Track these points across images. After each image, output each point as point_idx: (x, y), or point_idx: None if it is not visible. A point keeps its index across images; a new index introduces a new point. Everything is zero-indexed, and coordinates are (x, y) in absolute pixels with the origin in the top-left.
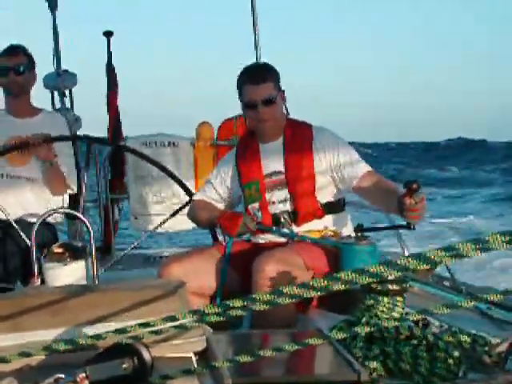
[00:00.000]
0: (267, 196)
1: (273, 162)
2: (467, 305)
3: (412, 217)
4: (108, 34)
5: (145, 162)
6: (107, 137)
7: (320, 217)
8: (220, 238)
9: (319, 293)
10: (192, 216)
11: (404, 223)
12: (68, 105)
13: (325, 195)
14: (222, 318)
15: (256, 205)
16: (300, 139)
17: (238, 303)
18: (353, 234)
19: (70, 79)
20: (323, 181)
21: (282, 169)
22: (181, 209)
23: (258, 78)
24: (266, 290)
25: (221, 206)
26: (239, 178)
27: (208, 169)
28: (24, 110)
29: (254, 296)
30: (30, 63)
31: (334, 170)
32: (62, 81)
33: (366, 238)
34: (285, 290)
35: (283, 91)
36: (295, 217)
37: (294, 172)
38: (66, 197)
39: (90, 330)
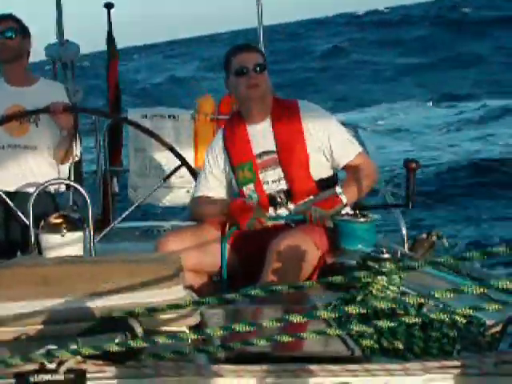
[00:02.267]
0: (260, 176)
1: (262, 142)
2: (475, 291)
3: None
4: (109, 6)
5: (144, 134)
6: (107, 109)
7: (315, 194)
8: None
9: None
10: (198, 213)
11: (401, 202)
12: (69, 76)
13: (318, 172)
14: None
15: (251, 186)
16: (288, 117)
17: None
18: (348, 211)
19: (73, 49)
20: (315, 158)
21: (273, 148)
22: (172, 173)
23: (248, 46)
24: (285, 271)
25: (221, 194)
26: (229, 160)
27: (208, 143)
28: (19, 78)
29: (250, 291)
30: (21, 29)
31: (326, 148)
32: (64, 51)
33: (364, 215)
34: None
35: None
36: (291, 195)
37: (287, 151)
38: (67, 167)
39: (87, 303)
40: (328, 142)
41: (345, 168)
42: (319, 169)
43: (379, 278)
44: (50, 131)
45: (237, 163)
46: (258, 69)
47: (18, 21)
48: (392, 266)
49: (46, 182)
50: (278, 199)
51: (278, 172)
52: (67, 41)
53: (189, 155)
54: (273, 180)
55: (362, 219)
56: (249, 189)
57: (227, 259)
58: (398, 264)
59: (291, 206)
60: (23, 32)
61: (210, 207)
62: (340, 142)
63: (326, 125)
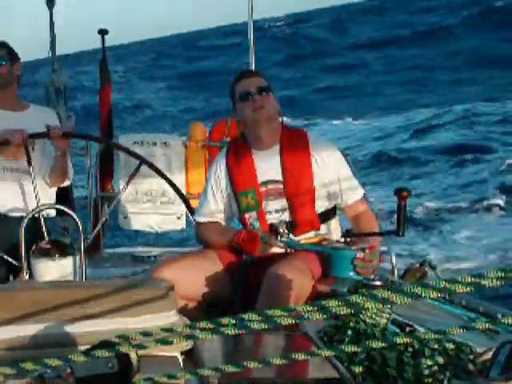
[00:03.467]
0: (264, 205)
1: (268, 170)
2: (483, 326)
3: (361, 271)
4: (103, 32)
5: (135, 160)
6: (99, 134)
7: (317, 228)
8: None
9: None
10: (203, 240)
11: (392, 229)
12: (61, 101)
13: (321, 206)
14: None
15: (253, 214)
16: (297, 147)
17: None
18: (340, 238)
19: (65, 75)
20: (321, 193)
21: (279, 178)
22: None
23: (251, 72)
24: (282, 297)
25: (222, 219)
26: (232, 186)
27: (199, 170)
28: (10, 103)
29: (246, 316)
30: (10, 55)
31: (332, 186)
32: (57, 76)
33: (354, 243)
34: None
35: (278, 98)
36: (293, 227)
37: (293, 183)
38: (54, 192)
39: (77, 327)
40: (337, 180)
41: (347, 211)
42: (323, 203)
43: (371, 304)
44: (45, 156)
45: (240, 190)
46: (262, 91)
47: (6, 47)
48: (384, 293)
49: (40, 206)
50: (280, 230)
51: (281, 202)
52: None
53: (180, 182)
54: (276, 210)
55: (353, 247)
56: (251, 216)
57: (221, 288)
58: (390, 291)
59: (293, 238)
60: (12, 58)
61: (216, 237)
62: (347, 182)
63: (335, 162)
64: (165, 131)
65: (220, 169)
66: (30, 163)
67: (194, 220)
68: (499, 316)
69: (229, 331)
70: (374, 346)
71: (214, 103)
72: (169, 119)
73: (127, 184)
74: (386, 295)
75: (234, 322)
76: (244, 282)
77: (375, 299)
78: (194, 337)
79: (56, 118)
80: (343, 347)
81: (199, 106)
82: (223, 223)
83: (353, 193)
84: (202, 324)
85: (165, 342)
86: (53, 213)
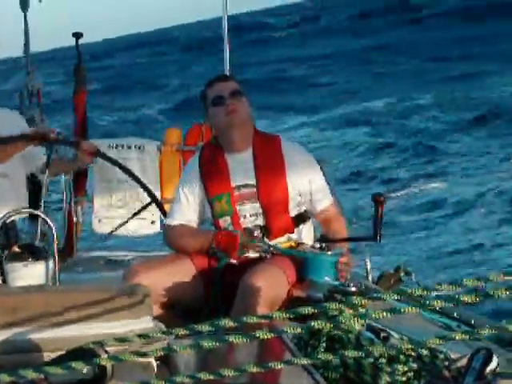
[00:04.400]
0: (237, 209)
1: (242, 175)
2: (462, 336)
3: (342, 275)
4: (77, 35)
5: (110, 164)
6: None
7: (291, 232)
8: None
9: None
10: (174, 243)
11: (369, 235)
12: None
13: (295, 210)
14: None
15: (227, 218)
16: (270, 152)
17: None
18: (314, 243)
19: (39, 78)
20: (294, 197)
21: (253, 182)
22: (139, 211)
23: (223, 76)
24: (257, 306)
25: (195, 223)
26: (205, 190)
27: (174, 174)
28: None
29: (222, 322)
30: None
31: (304, 191)
32: (30, 80)
33: (329, 248)
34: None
35: (250, 102)
36: (267, 231)
37: (267, 187)
38: (26, 194)
39: (51, 332)
40: (309, 185)
41: (317, 216)
42: (296, 207)
43: (346, 309)
44: (25, 160)
45: (214, 194)
46: (235, 95)
47: None
48: (359, 298)
49: (12, 211)
50: (255, 234)
51: (255, 206)
52: (34, 70)
53: (154, 186)
54: (250, 214)
55: (328, 252)
56: (225, 221)
57: (193, 293)
58: (365, 296)
59: (267, 242)
60: None
61: (190, 239)
62: (319, 187)
63: (308, 167)
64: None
65: (193, 173)
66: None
67: (166, 224)
68: (472, 322)
69: (206, 344)
70: (349, 355)
71: None
72: None
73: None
74: (361, 301)
75: (209, 328)
76: (219, 287)
77: (350, 305)
78: (169, 349)
79: (21, 120)
80: (319, 356)
81: None
82: (194, 226)
83: (324, 197)
84: (178, 330)
85: (139, 353)
86: (25, 216)
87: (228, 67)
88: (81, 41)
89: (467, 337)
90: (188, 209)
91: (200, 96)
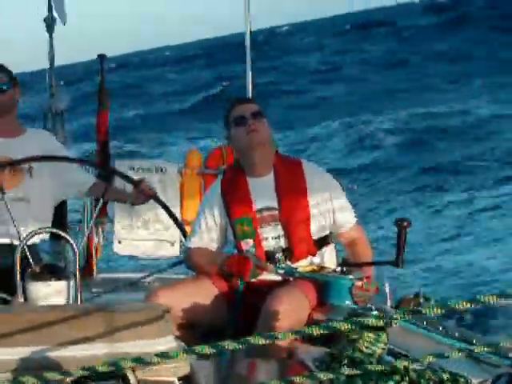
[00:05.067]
0: (260, 232)
1: (264, 197)
2: (458, 354)
3: (358, 300)
4: (102, 57)
5: (130, 186)
6: (95, 158)
7: (314, 254)
8: None
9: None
10: (193, 265)
11: (391, 260)
12: (59, 126)
13: (317, 232)
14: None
15: (250, 241)
16: (292, 175)
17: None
18: (336, 267)
19: (63, 99)
20: (316, 220)
21: (275, 205)
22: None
23: (244, 99)
24: (279, 330)
25: (215, 245)
26: (228, 213)
27: (194, 196)
28: (9, 129)
29: (248, 339)
30: (11, 80)
31: (328, 213)
32: (54, 101)
33: (350, 272)
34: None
35: (270, 124)
36: (290, 254)
37: (289, 210)
38: (51, 216)
39: (74, 350)
40: (332, 207)
41: (341, 237)
42: (319, 230)
43: (366, 334)
44: (46, 181)
45: (236, 217)
46: (257, 116)
47: (7, 72)
48: (379, 322)
49: (35, 230)
50: (277, 256)
51: (278, 229)
52: (59, 90)
53: (175, 208)
54: (272, 237)
55: (350, 276)
56: (247, 243)
57: (218, 312)
58: (385, 320)
59: (290, 264)
60: (13, 83)
61: (205, 261)
62: (342, 209)
63: (330, 189)
64: None
65: (215, 196)
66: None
67: (185, 246)
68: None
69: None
70: (372, 369)
71: None
72: None
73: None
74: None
75: (234, 346)
76: (240, 309)
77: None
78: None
79: (53, 140)
80: (341, 370)
81: None
82: (213, 249)
83: (347, 220)
84: (202, 348)
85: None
86: (46, 237)
87: (250, 89)
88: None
89: (463, 354)
90: (207, 232)
91: (223, 118)
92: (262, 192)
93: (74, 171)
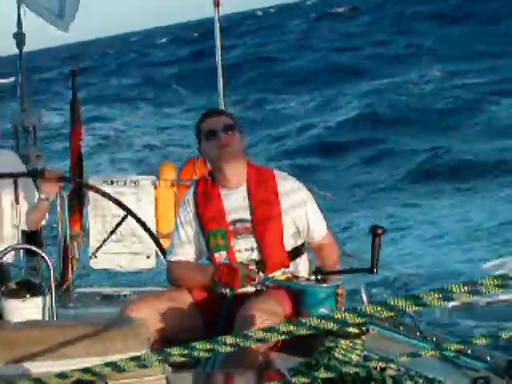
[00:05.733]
0: (233, 244)
1: (237, 209)
2: (430, 353)
3: (339, 306)
4: (73, 72)
5: (104, 199)
6: (68, 173)
7: (287, 266)
8: None
9: (284, 336)
10: (176, 279)
11: (365, 267)
12: (31, 141)
13: (290, 243)
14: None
15: (223, 253)
16: (264, 186)
17: (201, 346)
18: (310, 276)
19: (35, 115)
20: (289, 230)
21: (248, 217)
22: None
23: (217, 111)
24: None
25: (194, 257)
26: (201, 225)
27: (169, 209)
28: None
29: (219, 339)
30: None
31: (300, 223)
32: (26, 116)
33: (325, 280)
34: (251, 334)
35: (243, 136)
36: (263, 265)
37: (262, 221)
38: (18, 234)
39: (49, 367)
40: (305, 217)
41: (313, 246)
42: (292, 240)
43: (342, 341)
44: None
45: (209, 229)
46: (228, 130)
47: None
48: (355, 330)
49: (9, 247)
50: (250, 268)
51: (251, 241)
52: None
53: (150, 221)
54: (245, 248)
55: (324, 284)
56: (221, 256)
57: (192, 326)
58: (362, 328)
59: (262, 276)
60: None
61: (192, 274)
62: (315, 218)
63: (303, 199)
64: None
65: (189, 208)
66: (17, 201)
67: (166, 260)
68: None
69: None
70: (348, 371)
71: None
72: None
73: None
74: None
75: (206, 346)
76: (227, 319)
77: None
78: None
79: (16, 160)
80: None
81: None
82: (193, 261)
83: (319, 230)
84: (174, 350)
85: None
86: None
87: (222, 101)
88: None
89: (434, 353)
90: (187, 243)
91: (195, 130)
92: (235, 204)
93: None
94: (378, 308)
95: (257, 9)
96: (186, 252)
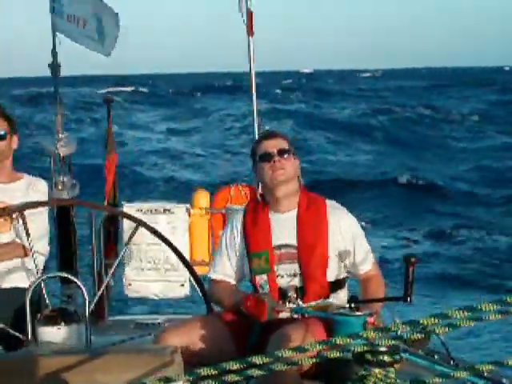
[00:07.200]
0: (276, 268)
1: (284, 234)
2: (458, 375)
3: None
4: (108, 100)
5: (139, 227)
6: (103, 201)
7: (326, 297)
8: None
9: (313, 360)
10: (214, 299)
11: (398, 295)
12: (66, 169)
13: (333, 274)
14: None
15: (264, 276)
16: (315, 215)
17: (234, 366)
18: (345, 304)
19: (69, 144)
20: (334, 261)
21: (294, 242)
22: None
23: (272, 133)
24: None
25: (235, 277)
26: (246, 246)
27: (203, 236)
28: (3, 176)
29: (249, 359)
30: (11, 128)
31: (347, 257)
32: (60, 146)
33: (358, 309)
34: (281, 354)
35: (299, 161)
36: (302, 293)
37: (308, 249)
38: (43, 261)
39: None
40: (352, 252)
41: (359, 277)
42: (335, 272)
43: (376, 370)
44: (34, 226)
45: (253, 251)
46: (283, 154)
47: (8, 119)
48: (389, 358)
49: (43, 275)
50: (289, 294)
51: (294, 267)
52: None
53: (184, 248)
54: (288, 274)
55: (357, 313)
56: (262, 279)
57: (228, 351)
58: (395, 356)
59: (301, 304)
60: (12, 130)
61: (224, 297)
62: (363, 250)
63: (352, 231)
64: None
65: (236, 227)
66: (27, 234)
67: (209, 276)
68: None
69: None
70: None
71: None
72: None
73: (125, 246)
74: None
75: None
76: (255, 347)
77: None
78: None
79: (45, 189)
80: None
81: None
82: (234, 282)
83: (366, 262)
84: (206, 371)
85: None
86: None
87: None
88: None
89: (467, 374)
90: (229, 263)
91: (250, 151)
92: (283, 229)
93: (32, 222)
94: (404, 326)
95: None
96: (226, 271)
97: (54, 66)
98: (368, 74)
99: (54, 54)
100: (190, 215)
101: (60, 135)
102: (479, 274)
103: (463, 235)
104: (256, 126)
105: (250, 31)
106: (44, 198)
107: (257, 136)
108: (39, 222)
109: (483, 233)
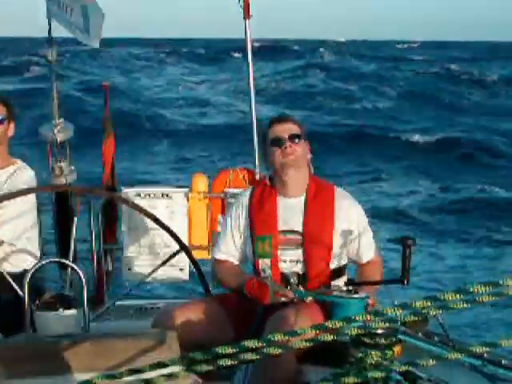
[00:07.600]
0: (279, 253)
1: (290, 220)
2: (453, 357)
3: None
4: (106, 87)
5: (138, 213)
6: (101, 186)
7: (328, 284)
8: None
9: (308, 343)
10: (218, 279)
11: (396, 277)
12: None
13: (335, 262)
14: (212, 367)
15: (267, 261)
16: (322, 202)
17: (228, 350)
18: (343, 286)
19: (67, 130)
20: (338, 249)
21: (300, 229)
22: (169, 259)
23: (284, 117)
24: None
25: (238, 258)
26: (250, 229)
27: (201, 221)
28: None
29: (243, 343)
30: (9, 113)
31: (353, 242)
32: (57, 132)
33: (356, 291)
34: (274, 338)
35: (310, 147)
36: (304, 280)
37: (313, 237)
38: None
39: (81, 379)
40: (357, 241)
41: (359, 265)
42: (338, 259)
43: (373, 352)
44: (25, 207)
45: (258, 234)
46: (294, 138)
47: (6, 105)
48: (386, 340)
49: (41, 261)
50: (291, 280)
51: (298, 253)
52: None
53: (183, 233)
54: (291, 260)
55: (355, 295)
56: (264, 263)
57: (226, 335)
58: (392, 339)
59: (302, 290)
60: (10, 117)
61: (229, 278)
62: (366, 243)
63: (358, 221)
64: None
65: (242, 209)
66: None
67: (212, 256)
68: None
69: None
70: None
71: None
72: None
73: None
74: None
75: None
76: (257, 331)
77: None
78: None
79: (27, 178)
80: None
81: None
82: (237, 262)
83: (369, 250)
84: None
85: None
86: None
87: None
88: None
89: (459, 355)
90: (233, 243)
91: (261, 135)
92: (290, 214)
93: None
94: (400, 310)
95: None
96: (230, 251)
97: (51, 60)
98: (405, 46)
99: (50, 37)
100: (188, 199)
101: (57, 120)
102: None
103: None
104: (253, 104)
105: (246, 14)
106: (23, 186)
107: (254, 116)
108: (11, 210)
109: None
